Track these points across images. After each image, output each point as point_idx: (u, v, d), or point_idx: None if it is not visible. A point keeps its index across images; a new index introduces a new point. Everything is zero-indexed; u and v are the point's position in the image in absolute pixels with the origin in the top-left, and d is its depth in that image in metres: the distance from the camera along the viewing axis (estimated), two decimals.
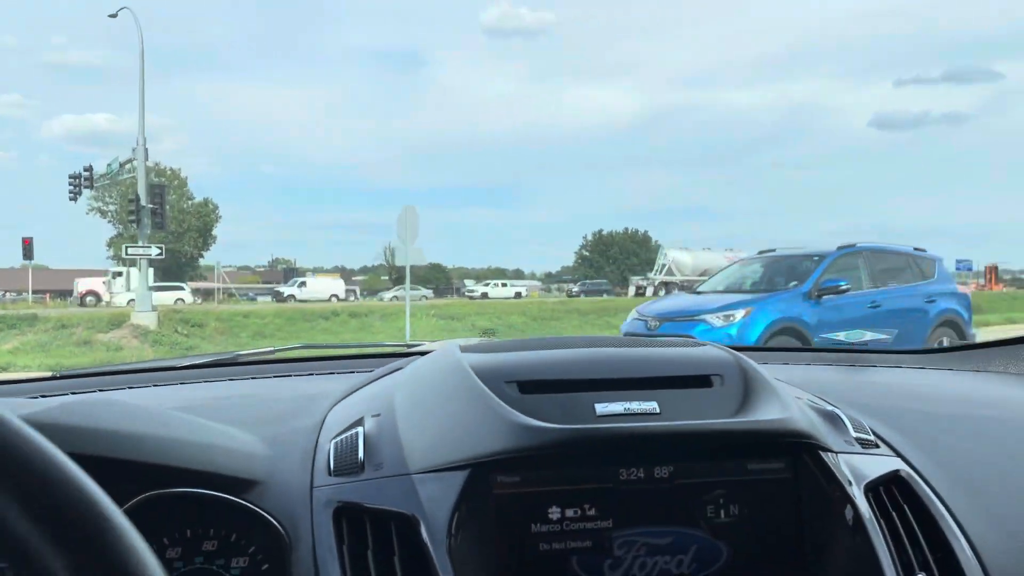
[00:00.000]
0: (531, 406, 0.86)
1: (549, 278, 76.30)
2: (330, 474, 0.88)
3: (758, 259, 9.70)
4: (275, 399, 1.19)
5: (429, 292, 48.24)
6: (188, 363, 1.47)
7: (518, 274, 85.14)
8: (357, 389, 1.12)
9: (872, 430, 1.04)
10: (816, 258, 8.83)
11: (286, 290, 42.83)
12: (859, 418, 1.05)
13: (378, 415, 0.96)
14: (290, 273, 54.38)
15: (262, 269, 71.04)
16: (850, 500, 0.85)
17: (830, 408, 1.03)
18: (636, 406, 0.88)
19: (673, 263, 41.02)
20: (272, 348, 1.64)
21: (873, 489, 0.91)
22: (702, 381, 0.95)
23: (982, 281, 56.38)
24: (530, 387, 0.91)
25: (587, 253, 66.67)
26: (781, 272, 9.11)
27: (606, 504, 0.84)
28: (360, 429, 0.92)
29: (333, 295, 42.44)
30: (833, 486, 0.86)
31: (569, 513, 0.83)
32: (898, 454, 1.01)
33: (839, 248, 8.95)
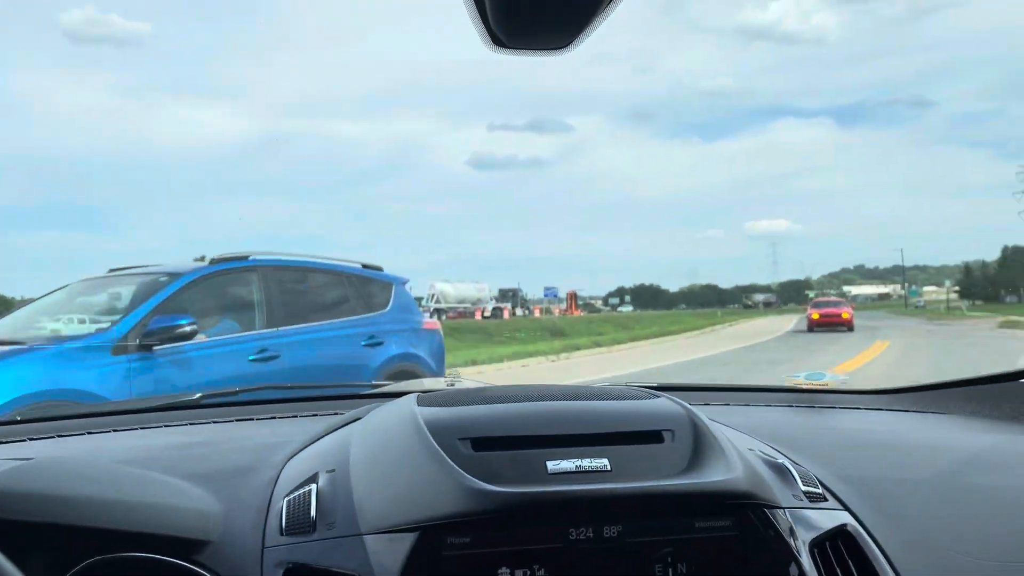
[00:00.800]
0: (483, 465, 0.86)
1: None
2: (282, 533, 0.88)
3: (101, 281, 5.55)
4: (233, 449, 1.17)
5: None
6: (152, 404, 1.51)
7: None
8: (314, 441, 1.11)
9: (821, 482, 1.04)
10: (164, 278, 4.97)
11: None
12: (810, 468, 1.07)
13: (332, 471, 0.95)
14: None
15: None
16: (794, 557, 0.87)
17: (780, 460, 1.03)
18: (587, 463, 0.88)
19: (440, 293, 45.68)
20: (237, 389, 1.65)
21: (819, 544, 0.92)
22: (653, 436, 0.95)
23: (564, 306, 62.15)
24: (483, 444, 0.91)
25: None
26: (114, 303, 5.14)
27: (556, 564, 0.84)
28: (313, 487, 0.92)
29: None
30: (778, 543, 0.88)
31: (518, 574, 0.84)
32: (846, 507, 1.01)
33: (214, 261, 5.23)
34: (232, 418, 1.41)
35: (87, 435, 1.28)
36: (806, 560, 0.87)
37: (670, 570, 0.86)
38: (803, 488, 0.98)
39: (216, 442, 1.23)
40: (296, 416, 1.41)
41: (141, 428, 1.33)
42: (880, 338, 23.04)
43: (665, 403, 1.04)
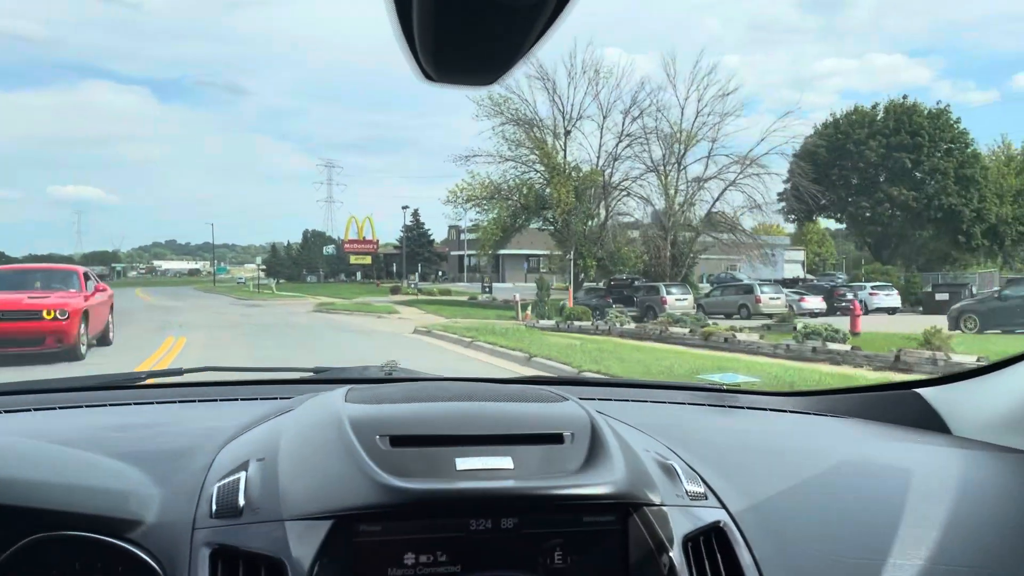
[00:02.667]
0: (397, 461, 0.95)
1: None
2: (211, 516, 0.94)
3: None
4: (173, 432, 1.24)
5: None
6: (97, 383, 1.54)
7: None
8: (248, 429, 1.18)
9: (706, 481, 1.12)
10: None
11: None
12: (699, 468, 1.15)
13: (262, 459, 1.02)
14: None
15: None
16: (666, 550, 0.96)
17: (670, 461, 1.11)
18: (492, 462, 0.97)
19: None
20: (180, 369, 1.69)
21: (693, 539, 0.99)
22: (555, 438, 1.03)
23: None
24: (400, 441, 0.99)
25: None
26: None
27: (457, 551, 0.93)
28: (243, 474, 0.99)
29: None
30: (655, 538, 0.97)
31: (423, 559, 0.92)
32: (723, 506, 1.07)
33: None
34: (175, 399, 1.47)
35: (33, 411, 1.35)
36: (676, 554, 0.96)
37: (558, 559, 0.95)
38: (686, 487, 1.06)
39: (158, 424, 1.31)
40: (236, 400, 1.47)
41: (87, 406, 1.39)
42: (176, 331, 15.93)
43: (570, 407, 1.14)
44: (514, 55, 0.50)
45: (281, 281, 73.97)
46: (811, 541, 1.06)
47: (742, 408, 1.65)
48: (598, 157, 32.86)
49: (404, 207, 72.02)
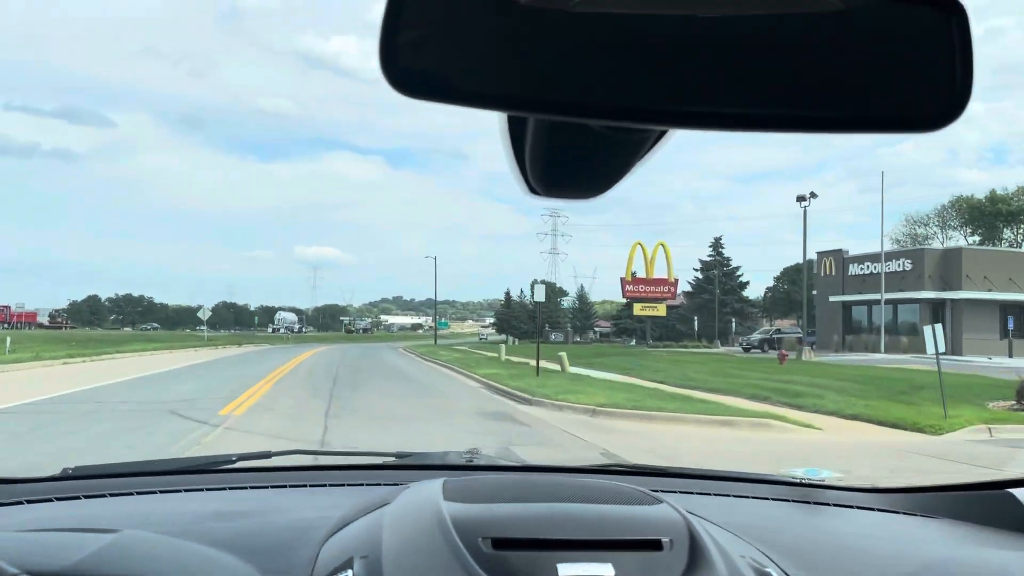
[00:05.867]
0: (501, 565, 0.97)
1: None
2: None
3: None
4: (273, 523, 1.29)
5: None
6: (189, 466, 1.65)
7: None
8: (346, 522, 1.21)
9: None
10: None
11: None
12: (795, 574, 1.15)
13: (366, 557, 1.05)
14: None
15: None
16: None
17: (767, 569, 1.11)
18: (594, 568, 0.97)
19: None
20: (268, 452, 1.76)
21: None
22: (653, 544, 1.04)
23: None
24: (502, 544, 1.01)
25: None
26: None
27: None
28: (350, 572, 1.03)
29: None
30: None
31: None
32: None
33: None
34: (267, 484, 1.53)
35: (136, 495, 1.43)
36: None
37: None
38: None
39: (255, 512, 1.34)
40: (325, 486, 1.55)
41: (186, 491, 1.46)
42: None
43: (666, 511, 1.15)
44: (617, 175, 0.52)
45: (514, 341, 62.23)
46: None
47: (828, 505, 1.61)
48: None
49: (716, 238, 57.55)
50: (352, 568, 1.01)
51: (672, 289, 53.39)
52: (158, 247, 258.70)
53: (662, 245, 53.67)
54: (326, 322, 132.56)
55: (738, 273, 58.76)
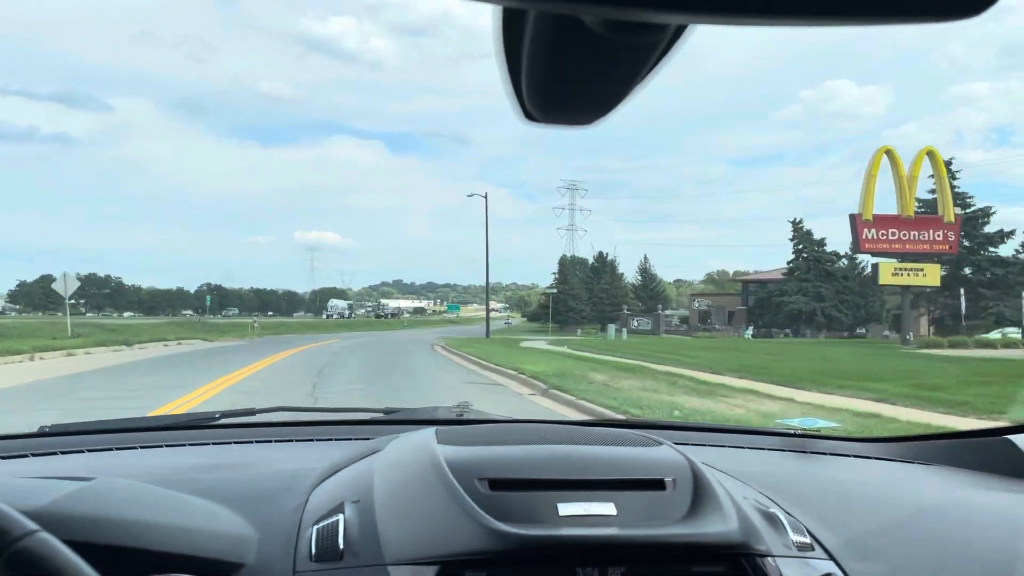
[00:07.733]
0: (500, 505, 0.94)
1: None
2: (311, 560, 0.94)
3: None
4: (260, 473, 1.23)
5: None
6: (171, 422, 1.58)
7: None
8: (337, 470, 1.17)
9: (810, 531, 1.09)
10: None
11: None
12: (799, 517, 1.12)
13: (357, 501, 1.02)
14: None
15: None
16: None
17: (772, 510, 1.08)
18: (596, 508, 0.95)
19: None
20: (252, 409, 1.70)
21: None
22: (656, 484, 1.02)
23: None
24: (499, 484, 0.98)
25: None
26: None
27: None
28: (341, 516, 0.98)
29: None
30: None
31: None
32: (831, 557, 1.05)
33: None
34: (252, 439, 1.48)
35: (115, 451, 1.37)
36: None
37: None
38: (793, 538, 1.03)
39: (241, 464, 1.30)
40: (312, 440, 1.49)
41: (167, 446, 1.41)
42: None
43: (668, 452, 1.12)
44: (618, 94, 0.49)
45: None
46: None
47: (825, 455, 1.61)
48: None
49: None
50: (343, 513, 0.99)
51: (953, 237, 31.02)
52: (156, 232, 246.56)
53: (929, 153, 30.23)
54: (323, 306, 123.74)
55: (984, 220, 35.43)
